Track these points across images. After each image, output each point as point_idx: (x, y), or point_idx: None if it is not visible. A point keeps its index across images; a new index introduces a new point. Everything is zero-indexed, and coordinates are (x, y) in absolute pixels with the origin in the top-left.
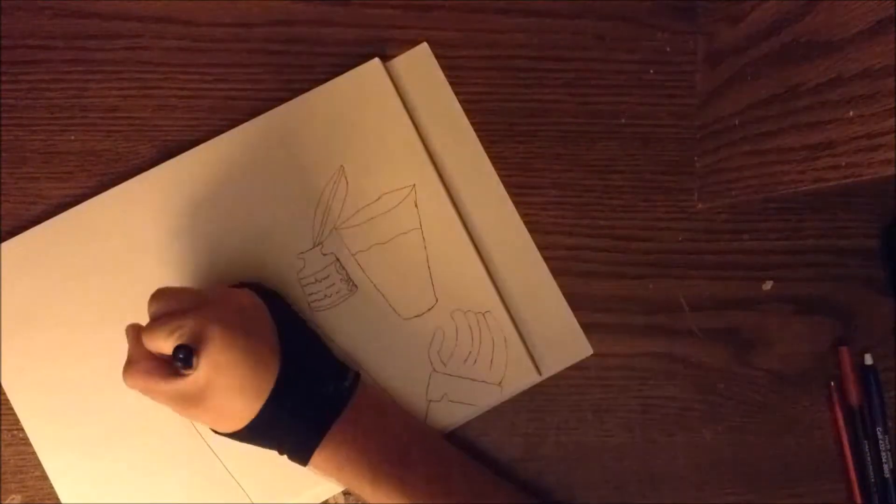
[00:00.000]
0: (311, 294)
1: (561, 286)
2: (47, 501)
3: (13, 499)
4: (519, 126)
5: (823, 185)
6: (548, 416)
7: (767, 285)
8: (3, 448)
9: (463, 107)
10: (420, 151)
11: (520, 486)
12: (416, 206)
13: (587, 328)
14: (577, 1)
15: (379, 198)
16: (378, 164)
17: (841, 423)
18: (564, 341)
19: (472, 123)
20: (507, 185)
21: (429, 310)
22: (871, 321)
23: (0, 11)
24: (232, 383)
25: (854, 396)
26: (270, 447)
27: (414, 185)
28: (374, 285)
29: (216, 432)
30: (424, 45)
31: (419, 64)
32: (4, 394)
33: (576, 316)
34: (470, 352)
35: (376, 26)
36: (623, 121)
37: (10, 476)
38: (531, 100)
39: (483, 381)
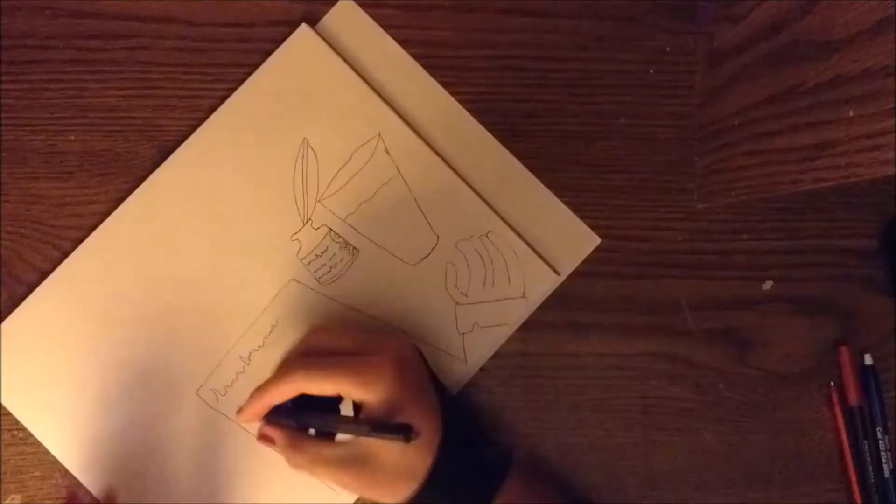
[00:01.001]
0: (317, 270)
1: (561, 286)
2: (47, 501)
3: (13, 499)
4: (519, 126)
5: (823, 185)
6: (548, 416)
7: (767, 285)
8: (3, 448)
9: (463, 107)
10: (375, 100)
11: None
12: (387, 153)
13: (587, 328)
14: (577, 1)
15: (350, 157)
16: (339, 125)
17: (841, 423)
18: (571, 237)
19: None
20: None
21: (433, 249)
22: (871, 321)
23: (0, 11)
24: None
25: (854, 396)
26: None
27: (379, 133)
28: (374, 242)
29: None
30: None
31: (347, 18)
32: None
33: (576, 316)
34: (485, 275)
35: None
36: (623, 121)
37: (10, 476)
38: (531, 100)
39: (507, 299)
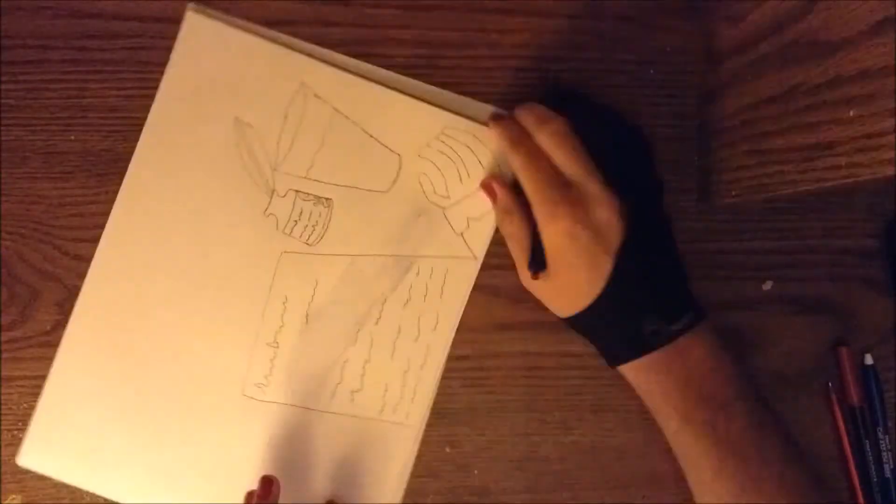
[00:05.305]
0: (301, 234)
1: None
2: (47, 501)
3: (13, 499)
4: None
5: (823, 185)
6: (548, 416)
7: (767, 285)
8: (3, 448)
9: None
10: (285, 53)
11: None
12: (317, 97)
13: None
14: (577, 1)
15: (285, 116)
16: (261, 92)
17: (841, 423)
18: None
19: None
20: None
21: (399, 168)
22: (871, 321)
23: (0, 11)
24: (579, 258)
25: (854, 397)
26: (593, 339)
27: (302, 82)
28: (342, 186)
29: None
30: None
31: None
32: (4, 394)
33: None
34: (458, 171)
35: (376, 26)
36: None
37: (10, 476)
38: (531, 100)
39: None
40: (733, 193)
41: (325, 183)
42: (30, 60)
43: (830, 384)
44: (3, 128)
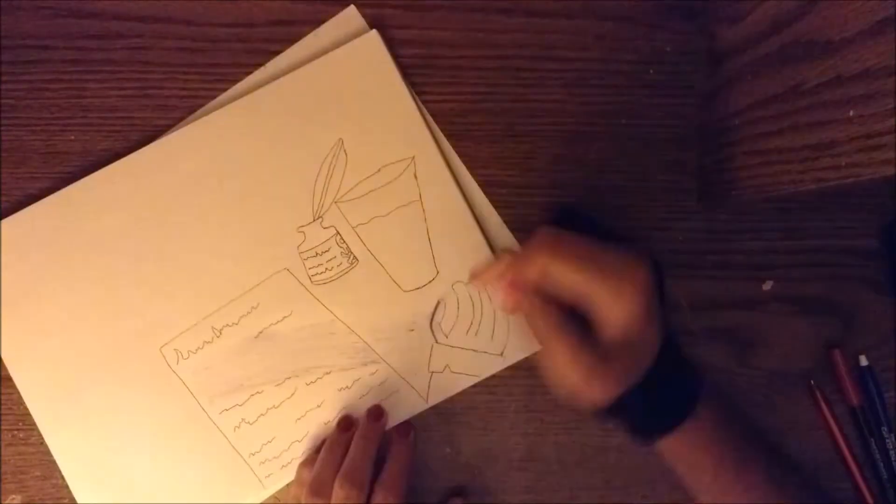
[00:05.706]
0: (312, 267)
1: None
2: (47, 501)
3: (13, 499)
4: (519, 126)
5: (823, 185)
6: (548, 416)
7: (767, 285)
8: (3, 448)
9: (463, 107)
10: (419, 123)
11: None
12: (415, 177)
13: None
14: (577, 1)
15: (379, 170)
16: (377, 137)
17: (832, 422)
18: None
19: (473, 123)
20: (508, 185)
21: (430, 282)
22: (871, 321)
23: (0, 11)
24: (628, 344)
25: (853, 397)
26: (622, 423)
27: (413, 156)
28: (375, 258)
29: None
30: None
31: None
32: (4, 394)
33: None
34: (471, 323)
35: (377, 26)
36: (623, 121)
37: (10, 476)
38: (531, 100)
39: (485, 352)
40: (733, 193)
41: (364, 244)
42: (30, 60)
43: (812, 382)
44: (3, 128)
